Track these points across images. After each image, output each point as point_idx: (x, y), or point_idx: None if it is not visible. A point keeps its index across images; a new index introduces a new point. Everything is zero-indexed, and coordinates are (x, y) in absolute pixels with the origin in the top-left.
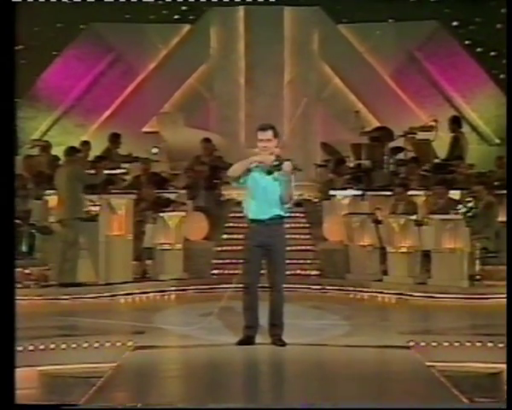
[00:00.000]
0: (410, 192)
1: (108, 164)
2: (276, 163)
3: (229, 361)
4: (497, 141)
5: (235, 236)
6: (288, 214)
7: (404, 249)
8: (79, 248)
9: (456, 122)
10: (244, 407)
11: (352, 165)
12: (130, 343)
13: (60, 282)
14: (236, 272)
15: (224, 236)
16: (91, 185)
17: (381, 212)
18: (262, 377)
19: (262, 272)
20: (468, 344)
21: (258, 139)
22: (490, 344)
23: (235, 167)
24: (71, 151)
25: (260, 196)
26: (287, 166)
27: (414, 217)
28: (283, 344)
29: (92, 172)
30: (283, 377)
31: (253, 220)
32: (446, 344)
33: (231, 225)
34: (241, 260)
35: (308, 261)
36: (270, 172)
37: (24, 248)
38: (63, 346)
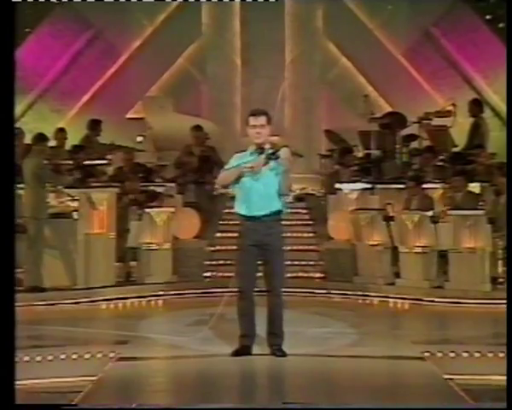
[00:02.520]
0: (425, 185)
1: (88, 154)
2: (272, 151)
3: (223, 374)
4: None
5: (229, 234)
6: (286, 210)
7: (418, 249)
8: (42, 248)
9: (476, 106)
10: (242, 407)
11: (360, 155)
12: (112, 354)
13: (27, 286)
14: (232, 274)
15: (218, 234)
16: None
17: (393, 207)
18: (260, 391)
19: (258, 274)
20: (489, 355)
21: (250, 125)
22: None
23: (223, 177)
24: (36, 139)
25: (254, 189)
26: (284, 152)
27: (429, 213)
28: (283, 355)
29: (70, 162)
30: (284, 391)
31: (246, 217)
32: (466, 355)
33: (226, 222)
34: (235, 262)
35: (311, 263)
36: (265, 163)
37: None
38: (38, 358)
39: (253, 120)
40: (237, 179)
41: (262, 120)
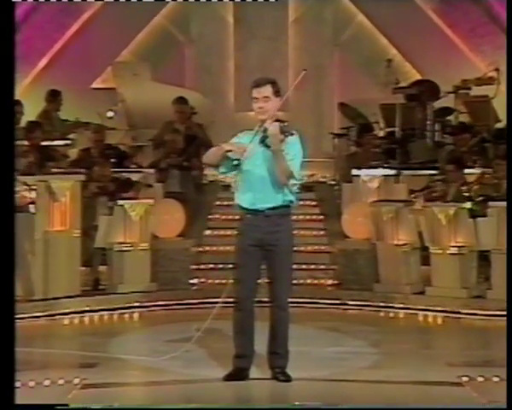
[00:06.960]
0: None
1: (46, 133)
2: (265, 128)
3: (214, 403)
4: None
5: (221, 232)
6: (297, 202)
7: (453, 250)
8: None
9: None
10: (239, 407)
11: (381, 134)
12: (76, 380)
13: None
14: (223, 281)
15: (207, 232)
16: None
17: (423, 198)
18: None
19: (260, 281)
20: None
21: (252, 98)
22: None
23: (207, 154)
24: None
25: (258, 177)
26: (272, 129)
27: (468, 205)
28: (288, 379)
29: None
30: None
31: (248, 211)
32: None
33: (217, 216)
34: (232, 266)
35: (322, 267)
36: (263, 143)
37: None
38: None
39: (255, 92)
40: (224, 160)
41: (266, 91)
